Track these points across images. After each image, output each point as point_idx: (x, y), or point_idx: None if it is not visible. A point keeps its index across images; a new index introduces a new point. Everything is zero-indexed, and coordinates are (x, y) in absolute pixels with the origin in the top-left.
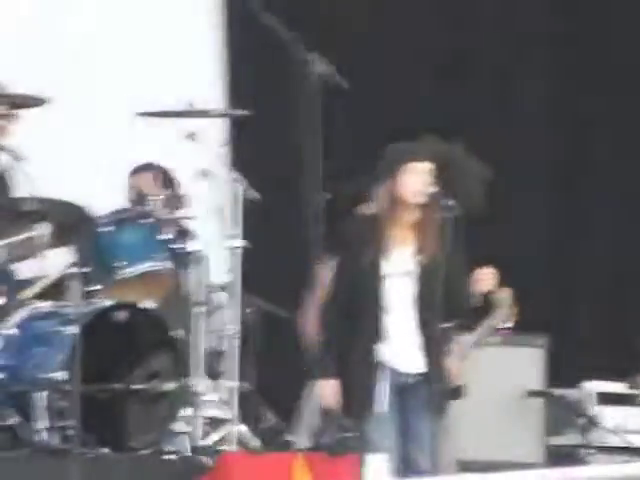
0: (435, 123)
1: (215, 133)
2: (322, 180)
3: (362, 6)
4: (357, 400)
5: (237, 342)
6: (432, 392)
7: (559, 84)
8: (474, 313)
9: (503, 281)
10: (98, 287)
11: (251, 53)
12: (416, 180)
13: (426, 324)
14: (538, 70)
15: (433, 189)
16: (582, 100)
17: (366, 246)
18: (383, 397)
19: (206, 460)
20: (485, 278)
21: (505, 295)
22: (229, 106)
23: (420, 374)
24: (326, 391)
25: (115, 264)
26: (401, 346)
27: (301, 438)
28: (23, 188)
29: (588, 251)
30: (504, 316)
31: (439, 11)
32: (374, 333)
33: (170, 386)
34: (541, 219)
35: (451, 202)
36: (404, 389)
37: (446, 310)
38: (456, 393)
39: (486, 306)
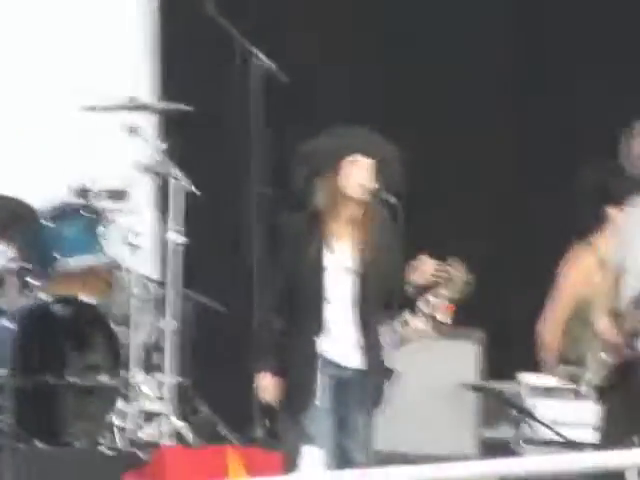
0: (373, 115)
1: (156, 127)
2: (262, 175)
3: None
4: (296, 393)
5: (174, 336)
6: (369, 386)
7: None
8: (413, 304)
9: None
10: (37, 281)
11: (189, 47)
12: (359, 175)
13: (364, 319)
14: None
15: (374, 184)
16: None
17: (308, 240)
18: (322, 390)
19: (141, 454)
20: (424, 268)
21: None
22: (169, 101)
23: (357, 368)
24: (264, 385)
25: (55, 258)
26: (340, 340)
27: None
28: None
29: (523, 244)
30: (455, 289)
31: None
32: (315, 326)
33: (106, 379)
34: (480, 215)
35: (391, 198)
36: (341, 382)
37: (383, 304)
38: (387, 375)
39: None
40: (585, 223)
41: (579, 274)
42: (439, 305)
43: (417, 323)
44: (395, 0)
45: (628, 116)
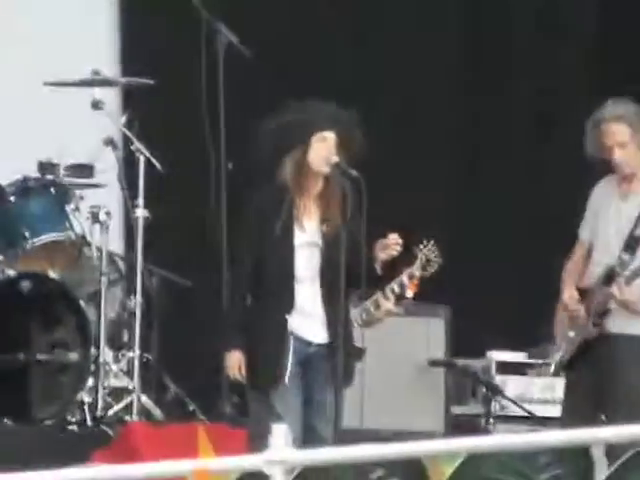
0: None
1: (119, 102)
2: (225, 150)
3: None
4: (265, 371)
5: (139, 312)
6: (336, 363)
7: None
8: (378, 281)
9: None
10: (4, 257)
11: (150, 21)
12: (323, 149)
13: (331, 294)
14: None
15: (337, 159)
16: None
17: (276, 217)
18: (288, 367)
19: (110, 431)
20: (390, 245)
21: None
22: (131, 75)
23: (324, 344)
24: (231, 362)
25: (20, 234)
26: (307, 316)
27: None
28: None
29: (490, 221)
30: (428, 269)
31: None
32: (285, 303)
33: (74, 356)
34: (445, 190)
35: (354, 172)
36: (308, 359)
37: (349, 279)
38: (358, 354)
39: (390, 273)
40: None
41: None
42: (409, 284)
43: (388, 305)
44: None
45: None
